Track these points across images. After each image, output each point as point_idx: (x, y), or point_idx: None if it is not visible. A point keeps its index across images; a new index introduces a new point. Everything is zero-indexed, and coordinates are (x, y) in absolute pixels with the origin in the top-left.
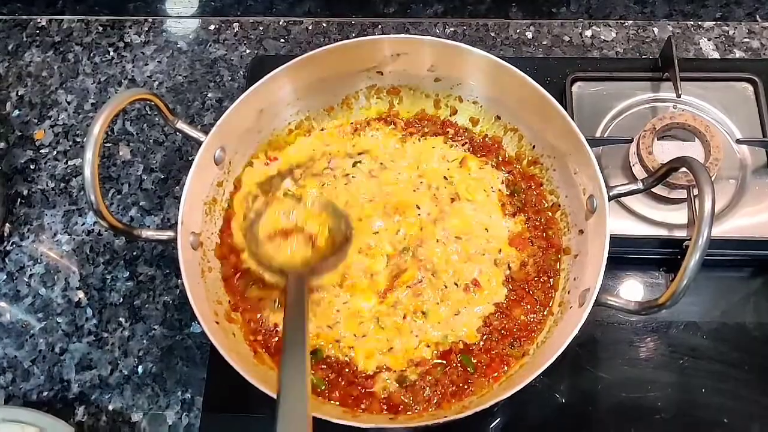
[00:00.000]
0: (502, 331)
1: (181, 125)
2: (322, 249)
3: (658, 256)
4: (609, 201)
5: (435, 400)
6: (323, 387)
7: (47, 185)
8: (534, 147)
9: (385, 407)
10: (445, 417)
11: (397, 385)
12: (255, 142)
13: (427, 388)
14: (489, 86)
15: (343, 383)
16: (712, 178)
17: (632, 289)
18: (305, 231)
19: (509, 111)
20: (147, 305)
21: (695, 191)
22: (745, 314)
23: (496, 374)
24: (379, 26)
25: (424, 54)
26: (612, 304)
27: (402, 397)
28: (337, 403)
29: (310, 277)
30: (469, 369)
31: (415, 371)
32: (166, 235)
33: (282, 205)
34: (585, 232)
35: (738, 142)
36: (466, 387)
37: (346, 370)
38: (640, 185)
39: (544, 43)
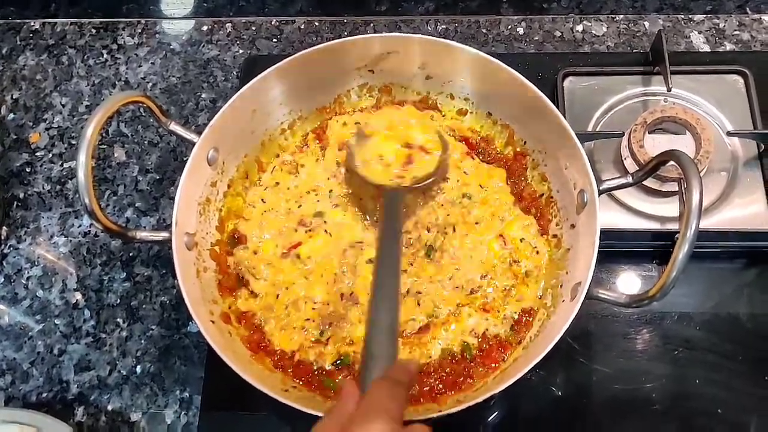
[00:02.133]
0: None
1: (173, 126)
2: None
3: (651, 248)
4: (599, 195)
5: (434, 392)
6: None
7: (43, 188)
8: (525, 143)
9: None
10: (440, 411)
11: None
12: (248, 142)
13: (432, 378)
14: (479, 83)
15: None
16: (704, 171)
17: (625, 282)
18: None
19: (500, 107)
20: (144, 306)
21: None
22: (738, 305)
23: (494, 364)
24: (371, 24)
25: (414, 52)
26: (603, 297)
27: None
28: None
29: (405, 195)
30: (466, 355)
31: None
32: (160, 236)
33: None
34: (576, 227)
35: (729, 134)
36: (463, 377)
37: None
38: (629, 179)
39: (536, 38)
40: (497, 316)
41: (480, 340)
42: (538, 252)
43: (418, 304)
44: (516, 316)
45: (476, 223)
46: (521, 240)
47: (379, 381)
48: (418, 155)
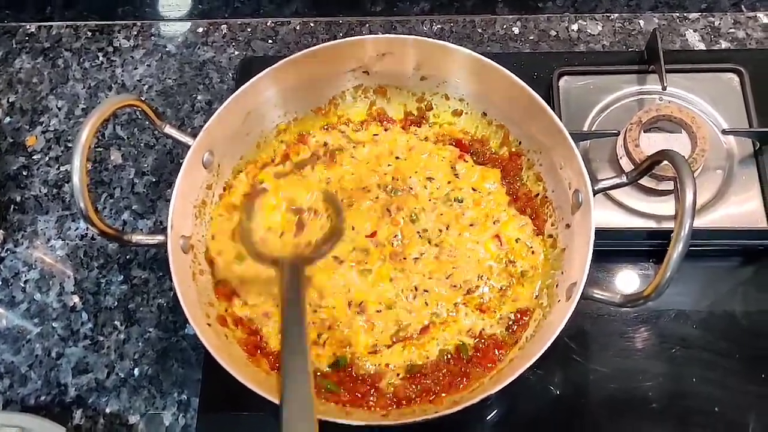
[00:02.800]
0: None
1: (168, 129)
2: (315, 239)
3: (647, 247)
4: (594, 195)
5: (431, 393)
6: (338, 390)
7: (40, 191)
8: (520, 143)
9: (393, 402)
10: (437, 412)
11: (405, 374)
12: (243, 144)
13: (428, 379)
14: (474, 83)
15: (351, 383)
16: (699, 169)
17: (622, 281)
18: (299, 219)
19: (495, 107)
20: (141, 308)
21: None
22: (734, 304)
23: (490, 364)
24: (367, 25)
25: (409, 53)
26: (598, 297)
27: (406, 391)
28: (346, 404)
29: (304, 266)
30: (463, 355)
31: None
32: (156, 239)
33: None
34: (571, 226)
35: (724, 132)
36: (459, 378)
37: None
38: (624, 179)
39: (531, 38)
40: (493, 317)
41: (476, 340)
42: (533, 252)
43: (426, 304)
44: (512, 317)
45: (470, 225)
46: (516, 240)
47: None
48: (309, 219)
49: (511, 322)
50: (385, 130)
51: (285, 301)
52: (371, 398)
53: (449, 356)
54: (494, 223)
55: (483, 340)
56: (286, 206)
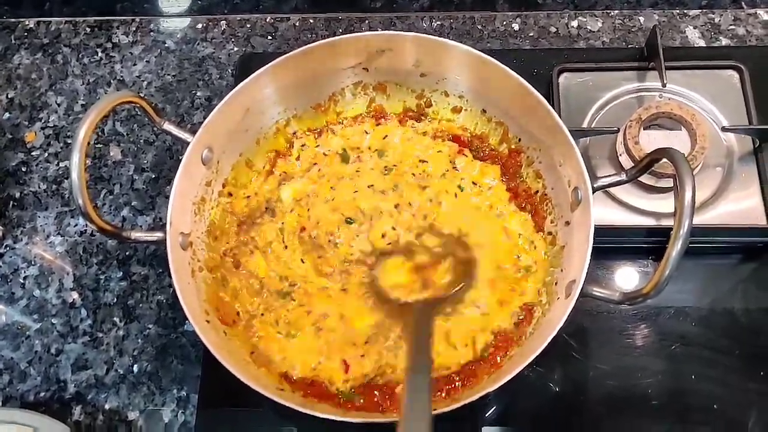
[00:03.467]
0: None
1: (167, 126)
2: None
3: (647, 245)
4: (593, 192)
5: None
6: (354, 398)
7: (39, 187)
8: (520, 140)
9: None
10: (436, 410)
11: None
12: (242, 140)
13: (441, 382)
14: (473, 80)
15: (370, 391)
16: (699, 166)
17: (621, 278)
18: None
19: (494, 104)
20: (141, 305)
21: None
22: (734, 301)
23: (499, 358)
24: (366, 21)
25: (408, 50)
26: (597, 295)
27: None
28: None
29: (434, 310)
30: (483, 355)
31: None
32: (155, 236)
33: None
34: (571, 224)
35: (724, 129)
36: (468, 376)
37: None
38: (623, 176)
39: (531, 34)
40: (507, 311)
41: (494, 337)
42: (536, 247)
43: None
44: (520, 312)
45: (477, 209)
46: (519, 235)
47: None
48: (432, 272)
49: (519, 318)
50: (377, 124)
51: (413, 347)
52: (385, 404)
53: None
54: (498, 216)
55: (497, 337)
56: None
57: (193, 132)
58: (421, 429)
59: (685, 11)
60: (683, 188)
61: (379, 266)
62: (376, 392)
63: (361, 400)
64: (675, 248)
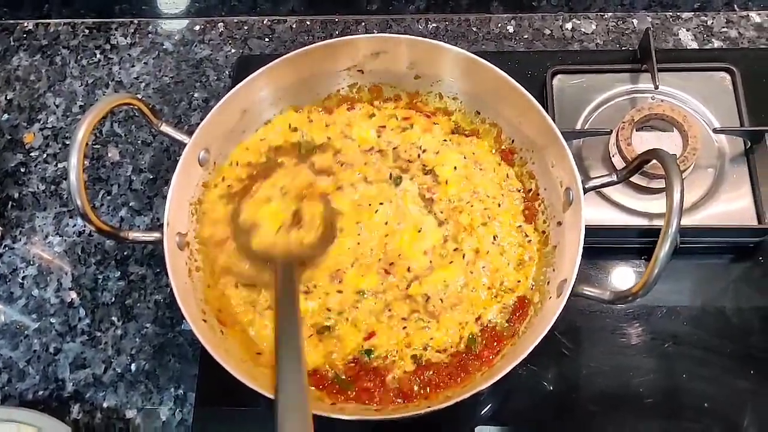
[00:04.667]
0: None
1: (165, 128)
2: (309, 239)
3: (639, 245)
4: (585, 193)
5: (434, 387)
6: (350, 388)
7: (38, 188)
8: (513, 141)
9: (397, 396)
10: (429, 407)
11: (413, 364)
12: (239, 142)
13: (431, 370)
14: (467, 82)
15: (362, 377)
16: (691, 167)
17: (613, 278)
18: (294, 215)
19: (488, 106)
20: (139, 304)
21: None
22: (725, 301)
23: (492, 356)
24: (363, 23)
25: (402, 52)
26: (588, 294)
27: (410, 384)
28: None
29: (298, 267)
30: (472, 348)
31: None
32: (152, 236)
33: (278, 181)
34: (563, 224)
35: (715, 131)
36: (459, 372)
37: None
38: (614, 177)
39: (525, 36)
40: (499, 302)
41: (482, 330)
42: (530, 241)
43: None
44: (512, 306)
45: (475, 193)
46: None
47: None
48: (306, 213)
49: (510, 314)
50: (349, 109)
51: (278, 299)
52: (376, 395)
53: (460, 347)
54: (497, 204)
55: (487, 331)
56: (285, 195)
57: (190, 133)
58: (294, 389)
59: (678, 14)
60: (672, 189)
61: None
62: (368, 383)
63: (355, 390)
64: (663, 248)
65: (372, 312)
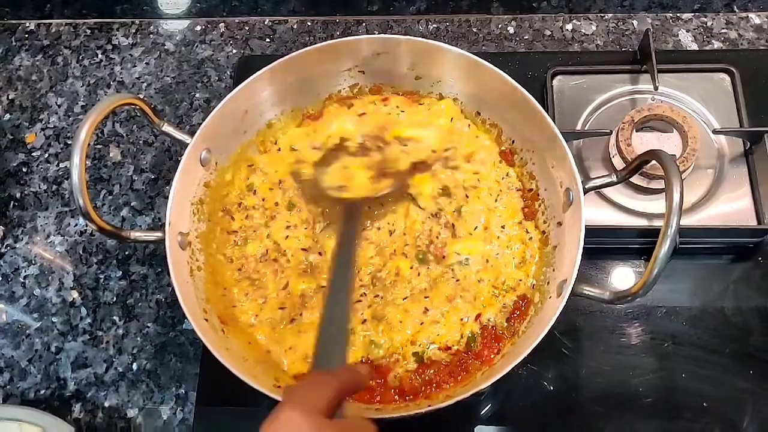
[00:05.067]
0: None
1: (166, 128)
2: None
3: (639, 245)
4: (585, 193)
5: (434, 386)
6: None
7: (39, 188)
8: (513, 141)
9: (397, 394)
10: (429, 406)
11: (415, 362)
12: (240, 142)
13: (432, 369)
14: (467, 83)
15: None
16: (690, 168)
17: (613, 278)
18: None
19: (488, 107)
20: (140, 303)
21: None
22: (725, 301)
23: (492, 355)
24: (363, 24)
25: (403, 53)
26: (588, 294)
27: (412, 382)
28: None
29: (362, 208)
30: (472, 346)
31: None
32: (154, 236)
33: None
34: (563, 224)
35: (715, 132)
36: (459, 371)
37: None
38: (614, 178)
39: (526, 37)
40: (498, 303)
41: (481, 329)
42: (531, 238)
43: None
44: (511, 305)
45: (474, 186)
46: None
47: (312, 373)
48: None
49: (510, 313)
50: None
51: (339, 241)
52: (377, 394)
53: (462, 346)
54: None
55: (487, 330)
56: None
57: (192, 133)
58: (340, 318)
59: (678, 15)
60: (671, 189)
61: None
62: (371, 381)
63: None
64: (663, 248)
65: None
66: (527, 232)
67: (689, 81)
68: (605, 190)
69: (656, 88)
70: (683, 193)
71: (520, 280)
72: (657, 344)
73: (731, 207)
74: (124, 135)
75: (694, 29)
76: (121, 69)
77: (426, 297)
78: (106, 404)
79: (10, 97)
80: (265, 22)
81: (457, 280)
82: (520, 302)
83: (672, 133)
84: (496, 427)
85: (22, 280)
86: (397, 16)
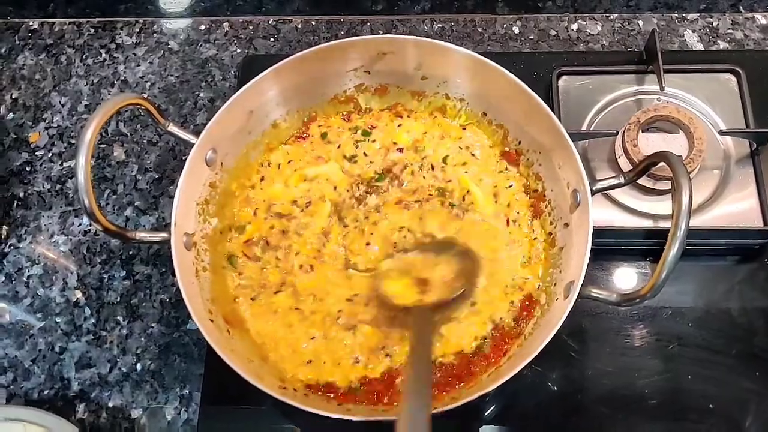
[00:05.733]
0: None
1: (172, 128)
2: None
3: (644, 246)
4: (592, 195)
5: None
6: (358, 390)
7: (43, 187)
8: (520, 142)
9: None
10: (435, 408)
11: None
12: (245, 142)
13: (438, 373)
14: (473, 83)
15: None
16: (696, 169)
17: (619, 279)
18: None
19: (494, 107)
20: (144, 303)
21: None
22: (730, 302)
23: (497, 357)
24: (368, 24)
25: (410, 53)
26: (595, 295)
27: None
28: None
29: (433, 315)
30: (482, 350)
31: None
32: (159, 236)
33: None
34: (570, 226)
35: (721, 133)
36: (465, 373)
37: None
38: (622, 179)
39: (531, 37)
40: (508, 300)
41: (493, 328)
42: (536, 238)
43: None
44: (519, 304)
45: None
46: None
47: None
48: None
49: (517, 312)
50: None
51: (412, 351)
52: (385, 397)
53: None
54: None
55: (498, 330)
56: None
57: (197, 133)
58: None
59: (684, 15)
60: (680, 191)
61: (380, 276)
62: (379, 386)
63: (362, 388)
64: (672, 250)
65: None
66: (533, 230)
67: (695, 81)
68: (611, 191)
69: (662, 89)
70: (692, 195)
71: (527, 279)
72: (662, 346)
73: (737, 208)
74: (128, 134)
75: (700, 29)
76: (125, 68)
77: None
78: (110, 404)
79: (13, 97)
80: (270, 22)
81: None
82: (527, 302)
83: (678, 134)
84: (501, 428)
85: (26, 280)
86: (401, 16)
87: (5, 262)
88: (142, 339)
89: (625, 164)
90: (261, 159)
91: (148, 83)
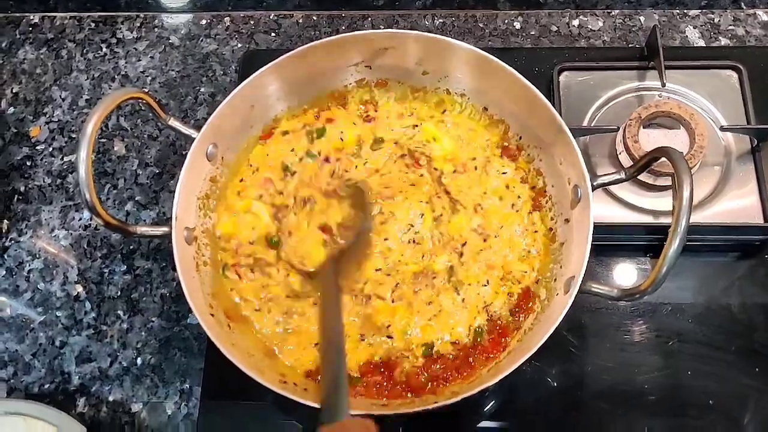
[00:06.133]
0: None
1: (173, 122)
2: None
3: (645, 242)
4: (593, 190)
5: (440, 381)
6: (359, 382)
7: (44, 181)
8: (521, 138)
9: (404, 391)
10: (436, 403)
11: (422, 356)
12: (247, 136)
13: (438, 364)
14: (475, 78)
15: (371, 372)
16: (697, 165)
17: (619, 275)
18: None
19: (496, 102)
20: (144, 298)
21: None
22: (731, 298)
23: (493, 354)
24: (369, 19)
25: (411, 48)
26: (596, 291)
27: (418, 377)
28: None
29: (338, 275)
30: (478, 339)
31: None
32: (160, 230)
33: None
34: (570, 221)
35: (722, 129)
36: (465, 366)
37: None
38: (623, 175)
39: (532, 33)
40: (505, 292)
41: (488, 320)
42: (536, 231)
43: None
44: (516, 296)
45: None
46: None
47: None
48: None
49: (514, 305)
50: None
51: (321, 314)
52: (384, 389)
53: (470, 339)
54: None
55: (493, 322)
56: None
57: (198, 128)
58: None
59: (685, 11)
60: (681, 187)
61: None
62: (377, 377)
63: (363, 384)
64: (672, 246)
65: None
66: (533, 222)
67: (696, 78)
68: (612, 187)
69: (663, 85)
70: (693, 190)
71: (525, 272)
72: (662, 342)
73: (738, 204)
74: (129, 129)
75: (702, 26)
76: (126, 63)
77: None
78: (111, 399)
79: (14, 91)
80: (271, 17)
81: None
82: (525, 295)
83: (679, 129)
84: (500, 423)
85: (27, 274)
86: (402, 11)
87: (6, 257)
88: (143, 333)
89: (626, 160)
90: None
91: (149, 78)
